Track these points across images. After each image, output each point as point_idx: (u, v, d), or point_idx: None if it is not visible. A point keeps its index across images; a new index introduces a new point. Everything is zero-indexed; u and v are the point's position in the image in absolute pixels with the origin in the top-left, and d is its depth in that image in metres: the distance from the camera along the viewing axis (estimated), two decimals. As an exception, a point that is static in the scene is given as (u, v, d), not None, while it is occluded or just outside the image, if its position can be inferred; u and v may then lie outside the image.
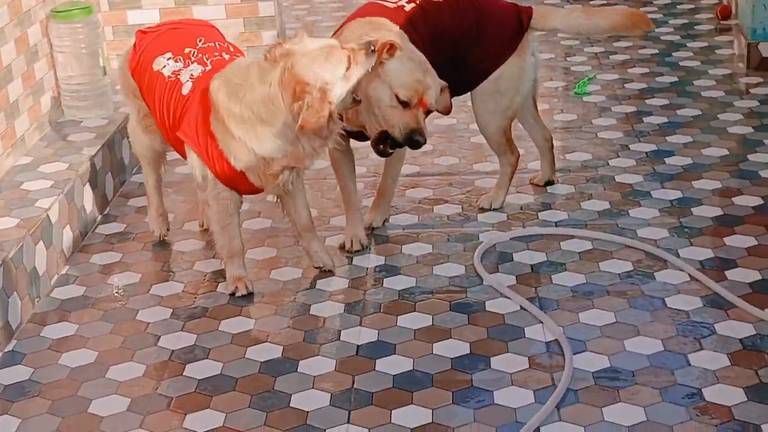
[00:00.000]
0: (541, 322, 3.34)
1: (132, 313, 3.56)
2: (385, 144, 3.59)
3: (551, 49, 6.11)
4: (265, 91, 3.33)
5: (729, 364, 3.08)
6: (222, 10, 5.52)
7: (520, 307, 3.45)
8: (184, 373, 3.20)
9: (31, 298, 3.60)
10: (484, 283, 3.61)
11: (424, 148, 4.70)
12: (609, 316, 3.37)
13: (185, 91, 3.54)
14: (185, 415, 3.00)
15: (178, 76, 3.59)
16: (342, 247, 3.89)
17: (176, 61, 3.63)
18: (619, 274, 3.62)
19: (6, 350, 3.37)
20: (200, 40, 3.69)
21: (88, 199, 4.17)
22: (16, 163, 4.21)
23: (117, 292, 3.71)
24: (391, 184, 4.05)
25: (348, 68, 3.33)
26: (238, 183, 3.52)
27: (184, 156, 3.68)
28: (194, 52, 3.64)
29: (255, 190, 3.60)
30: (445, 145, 4.82)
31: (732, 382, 3.00)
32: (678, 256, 3.70)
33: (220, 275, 3.76)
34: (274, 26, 5.57)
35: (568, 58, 5.93)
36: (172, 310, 3.56)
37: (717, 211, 4.01)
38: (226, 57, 3.63)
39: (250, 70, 3.40)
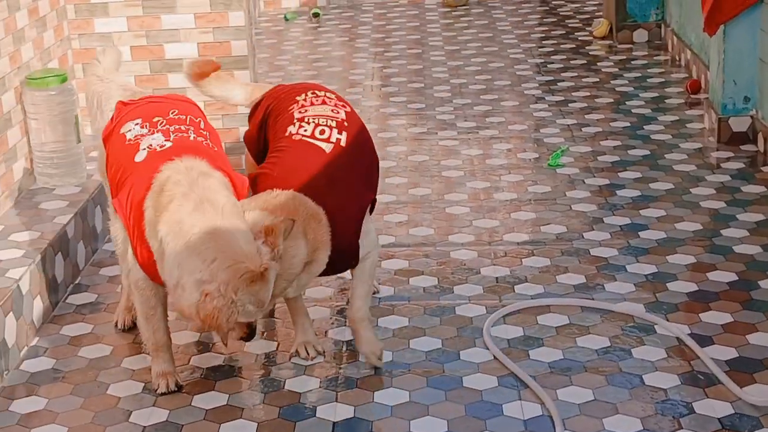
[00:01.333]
0: (520, 399, 3.31)
1: (103, 387, 3.49)
2: None
3: (524, 120, 6.16)
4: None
5: (708, 444, 3.07)
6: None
7: (498, 383, 3.42)
8: (156, 451, 3.14)
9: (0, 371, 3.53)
10: (460, 358, 3.59)
11: (399, 218, 4.76)
12: (587, 393, 3.35)
13: (138, 158, 3.44)
14: (157, 495, 2.94)
15: (139, 141, 3.49)
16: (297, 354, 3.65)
17: (142, 127, 3.55)
18: (596, 350, 3.60)
19: (-28, 425, 3.29)
20: (173, 112, 3.62)
21: (59, 268, 4.11)
22: (-14, 231, 4.16)
23: (87, 365, 3.64)
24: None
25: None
26: (157, 275, 3.32)
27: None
28: (162, 122, 3.56)
29: None
30: (420, 216, 4.82)
31: (712, 463, 2.98)
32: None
33: (194, 347, 3.71)
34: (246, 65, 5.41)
35: (540, 130, 5.97)
36: (144, 384, 3.50)
37: (692, 287, 4.02)
38: (192, 135, 3.52)
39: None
